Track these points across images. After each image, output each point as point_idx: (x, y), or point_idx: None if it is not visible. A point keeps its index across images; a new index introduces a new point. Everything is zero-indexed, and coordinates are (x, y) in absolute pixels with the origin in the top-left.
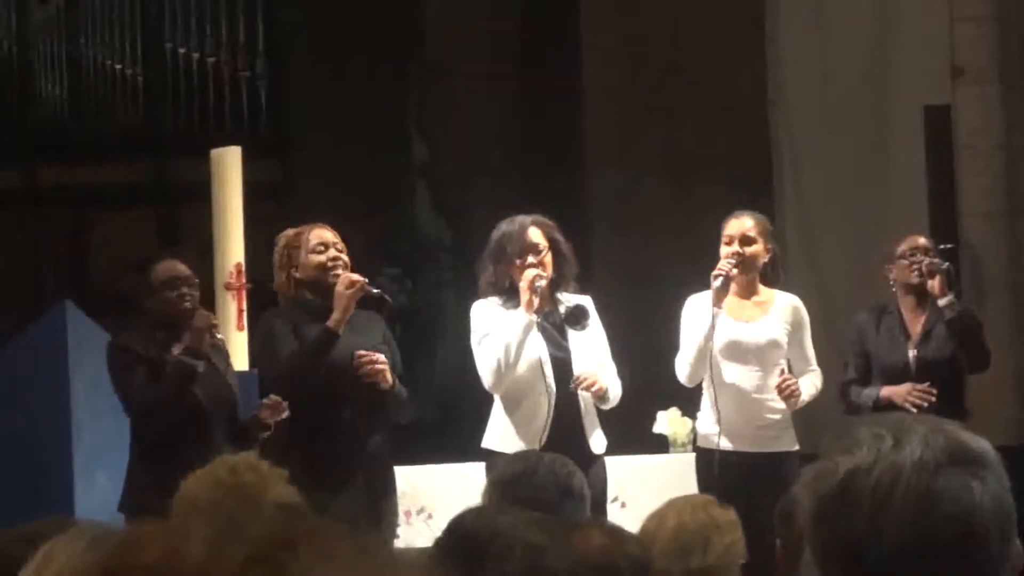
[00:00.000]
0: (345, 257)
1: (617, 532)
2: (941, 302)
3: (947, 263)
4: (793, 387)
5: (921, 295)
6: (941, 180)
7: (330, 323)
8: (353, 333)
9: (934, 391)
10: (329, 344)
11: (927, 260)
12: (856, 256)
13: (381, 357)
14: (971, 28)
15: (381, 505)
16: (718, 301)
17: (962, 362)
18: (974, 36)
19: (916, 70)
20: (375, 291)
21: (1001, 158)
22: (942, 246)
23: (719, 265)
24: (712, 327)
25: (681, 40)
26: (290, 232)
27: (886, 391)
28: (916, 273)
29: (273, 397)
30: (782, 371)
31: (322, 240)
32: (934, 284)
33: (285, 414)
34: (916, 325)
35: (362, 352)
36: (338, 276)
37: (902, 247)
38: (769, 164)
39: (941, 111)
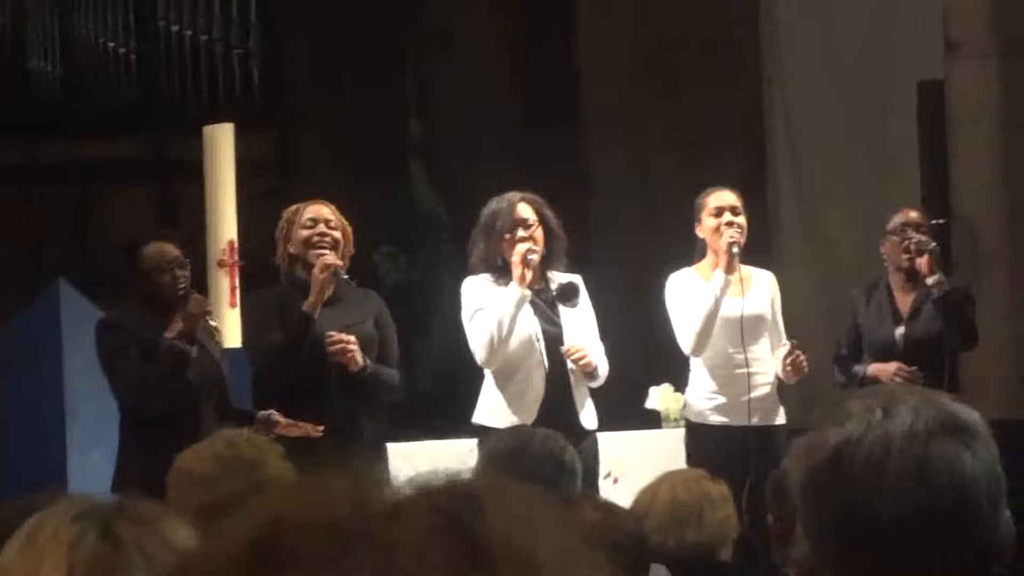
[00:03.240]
0: (336, 234)
1: (610, 506)
2: (929, 281)
3: (934, 243)
4: (802, 361)
5: (911, 272)
6: (934, 155)
7: (305, 306)
8: (343, 313)
9: (921, 373)
10: (305, 327)
11: (916, 238)
12: (853, 231)
13: (351, 339)
14: (965, 1)
15: None
16: (731, 268)
17: (950, 340)
18: (968, 9)
19: (911, 44)
20: (344, 276)
21: (996, 131)
22: (934, 221)
23: (730, 234)
24: (724, 293)
25: (682, 13)
26: (292, 207)
27: (872, 368)
28: (906, 256)
29: (266, 415)
30: (793, 345)
31: (314, 216)
32: (922, 263)
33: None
34: (905, 302)
35: (332, 333)
36: (321, 254)
37: (893, 222)
38: (763, 138)
39: (934, 86)
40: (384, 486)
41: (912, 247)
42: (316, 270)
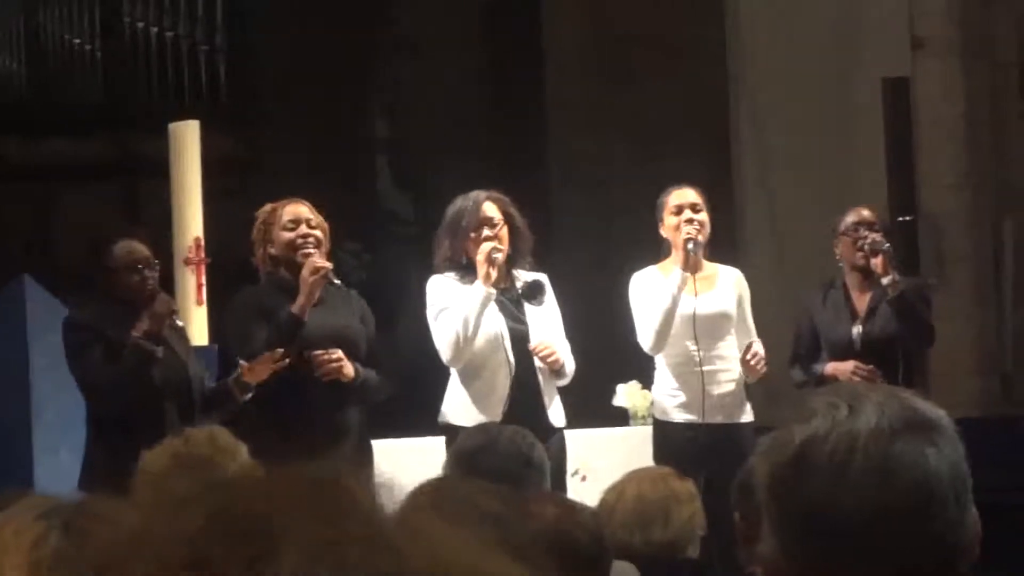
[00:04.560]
0: (318, 234)
1: (568, 502)
2: (884, 281)
3: (887, 243)
4: (760, 361)
5: (867, 272)
6: (900, 152)
7: (294, 308)
8: (327, 312)
9: (879, 372)
10: (295, 329)
11: (869, 238)
12: (818, 228)
13: (337, 353)
14: None
15: None
16: (688, 265)
17: (905, 339)
18: (934, 6)
19: (877, 41)
20: (336, 281)
21: (961, 128)
22: (900, 219)
23: (687, 231)
24: (681, 290)
25: (646, 10)
26: (268, 207)
27: (830, 367)
28: (860, 254)
29: (234, 376)
30: (751, 344)
31: (294, 216)
32: (876, 263)
33: (280, 363)
34: (862, 301)
35: (317, 352)
36: (308, 255)
37: (846, 221)
38: (729, 135)
39: (900, 83)
40: (270, 486)
41: (866, 247)
42: (306, 272)
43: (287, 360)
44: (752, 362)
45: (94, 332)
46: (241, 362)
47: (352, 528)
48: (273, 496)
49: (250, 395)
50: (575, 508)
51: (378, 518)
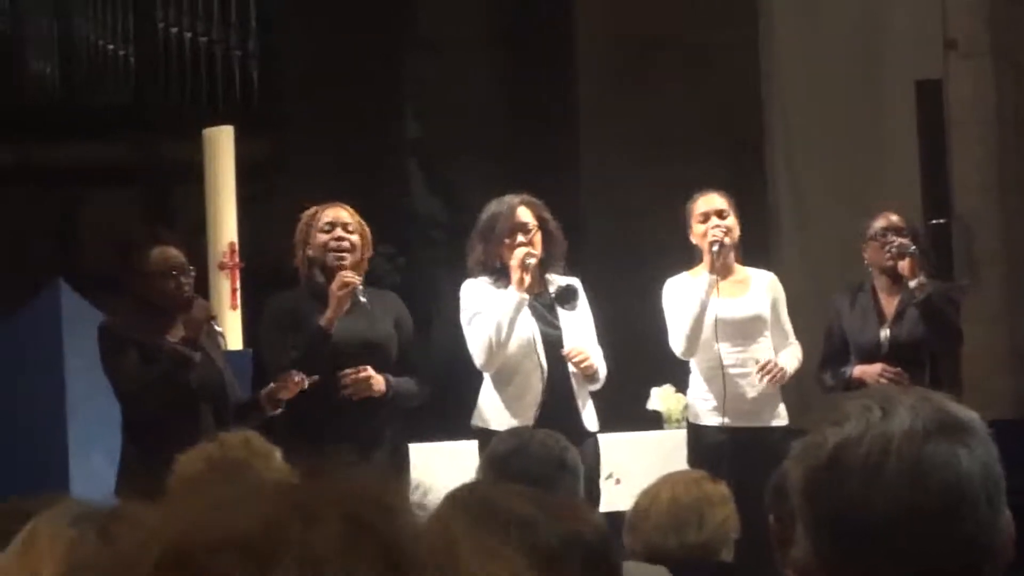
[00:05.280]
0: (354, 239)
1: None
2: (911, 284)
3: (914, 247)
4: (776, 372)
5: (895, 275)
6: (933, 155)
7: (322, 321)
8: (357, 320)
9: (906, 374)
10: (322, 342)
11: (897, 242)
12: (849, 231)
13: (367, 371)
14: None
15: None
16: (714, 268)
17: (931, 342)
18: (966, 7)
19: (908, 42)
20: (362, 300)
21: (994, 130)
22: (933, 221)
23: (712, 233)
24: (709, 294)
25: (673, 11)
26: (311, 209)
27: (858, 370)
28: (888, 256)
29: (267, 392)
30: (768, 361)
31: (332, 220)
32: (904, 266)
33: (304, 385)
34: (890, 304)
35: (346, 371)
36: (342, 258)
37: (874, 226)
38: (760, 138)
39: (933, 85)
40: (291, 495)
41: (893, 250)
42: (334, 286)
43: (315, 377)
44: (767, 373)
45: (129, 337)
46: (275, 383)
47: (365, 535)
48: (288, 504)
49: (280, 410)
50: (582, 508)
51: (395, 527)
